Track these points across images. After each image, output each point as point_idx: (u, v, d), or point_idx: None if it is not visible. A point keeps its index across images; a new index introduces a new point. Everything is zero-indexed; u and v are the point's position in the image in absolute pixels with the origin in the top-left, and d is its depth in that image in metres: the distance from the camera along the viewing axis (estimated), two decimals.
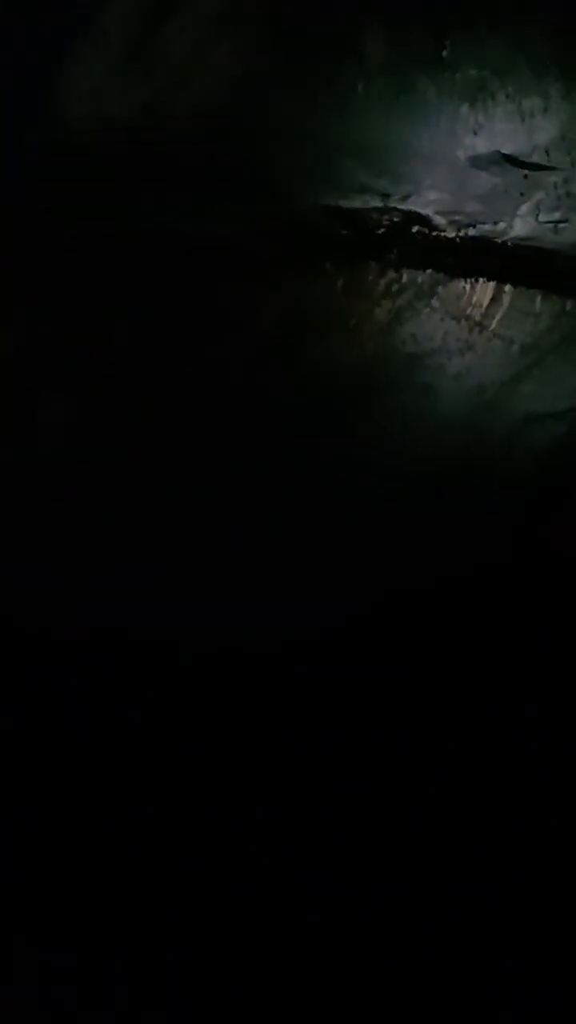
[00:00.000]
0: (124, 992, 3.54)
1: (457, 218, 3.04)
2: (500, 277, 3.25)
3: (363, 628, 3.93)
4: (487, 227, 3.08)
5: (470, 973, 3.57)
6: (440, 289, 3.23)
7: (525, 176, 2.88)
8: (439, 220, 3.04)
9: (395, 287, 3.19)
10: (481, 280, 3.25)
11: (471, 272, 3.21)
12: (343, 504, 3.72)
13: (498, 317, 3.34)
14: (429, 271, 3.18)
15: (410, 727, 3.96)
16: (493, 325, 3.36)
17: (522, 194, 2.95)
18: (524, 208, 3.01)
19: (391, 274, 3.16)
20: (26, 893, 3.63)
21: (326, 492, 3.68)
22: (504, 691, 3.98)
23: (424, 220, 3.03)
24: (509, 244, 3.13)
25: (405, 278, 3.17)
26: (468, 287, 3.25)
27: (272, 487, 3.61)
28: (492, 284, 3.26)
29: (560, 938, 3.62)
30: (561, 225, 3.06)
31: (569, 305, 3.35)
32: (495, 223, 3.06)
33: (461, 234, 3.09)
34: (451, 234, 3.08)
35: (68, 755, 3.80)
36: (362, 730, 3.93)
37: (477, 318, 3.32)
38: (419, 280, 3.18)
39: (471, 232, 3.08)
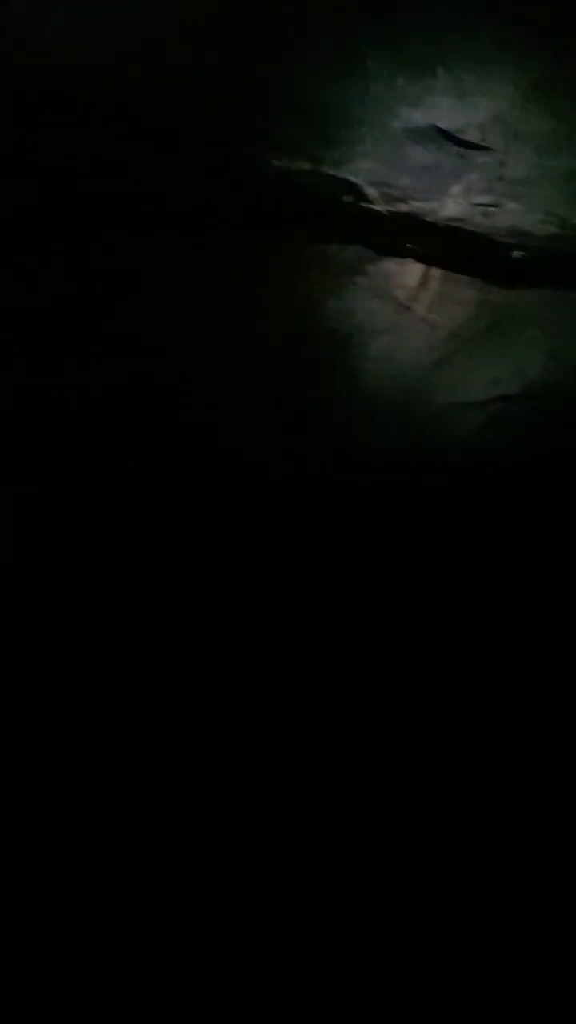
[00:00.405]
0: (124, 992, 3.54)
1: (388, 191, 2.96)
2: (429, 260, 3.21)
3: (315, 626, 3.94)
4: (418, 204, 3.01)
5: (470, 973, 3.57)
6: (368, 267, 3.17)
7: (459, 155, 2.85)
8: (370, 191, 2.96)
9: (323, 260, 3.13)
10: (410, 261, 3.20)
11: (400, 252, 3.17)
12: (256, 496, 3.66)
13: (424, 301, 3.28)
14: (357, 247, 3.13)
15: (410, 727, 3.96)
16: (418, 308, 3.30)
17: (455, 174, 2.92)
18: (456, 188, 2.96)
19: (319, 246, 3.10)
20: (26, 893, 3.63)
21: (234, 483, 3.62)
22: (504, 691, 3.98)
23: (355, 189, 2.96)
24: (439, 225, 3.07)
25: (333, 252, 3.10)
26: (396, 267, 3.20)
27: (269, 487, 3.60)
28: (420, 266, 3.21)
29: (560, 938, 3.62)
30: (491, 209, 3.02)
31: (493, 294, 3.32)
32: (426, 201, 3.01)
33: (392, 209, 3.02)
34: (381, 208, 3.02)
35: (68, 755, 3.81)
36: (362, 730, 3.93)
37: (403, 300, 3.27)
38: (347, 255, 3.12)
39: (402, 208, 3.01)
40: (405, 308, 3.30)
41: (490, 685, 3.98)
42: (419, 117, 2.74)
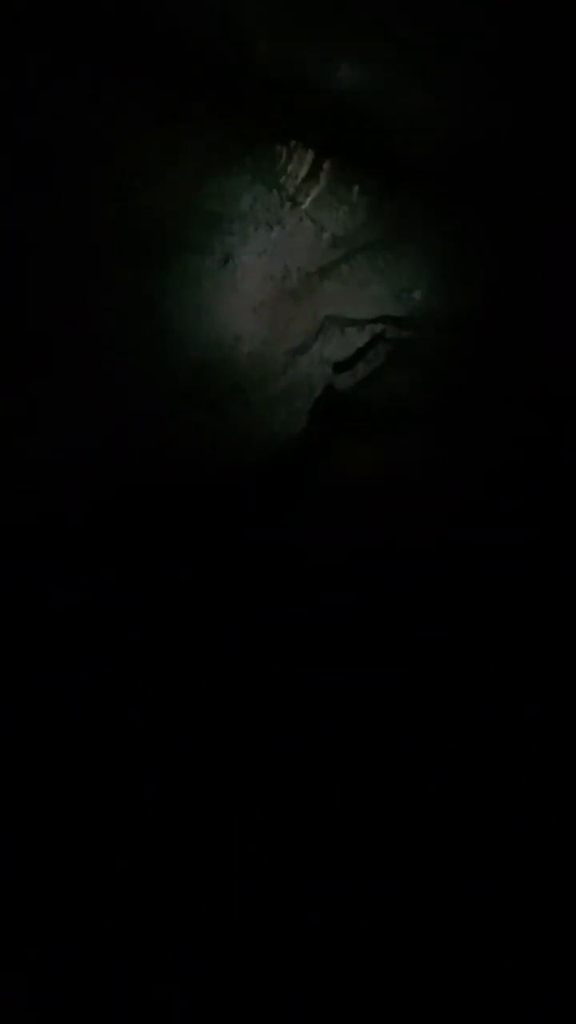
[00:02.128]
0: (124, 992, 3.54)
1: (284, 45, 2.62)
2: (320, 146, 2.91)
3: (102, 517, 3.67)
4: (315, 65, 2.66)
5: (470, 973, 3.57)
6: (256, 147, 2.89)
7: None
8: (264, 44, 2.59)
9: (206, 130, 2.82)
10: (299, 147, 2.92)
11: (290, 131, 2.84)
12: (99, 376, 3.32)
13: (313, 196, 3.04)
14: (248, 122, 2.79)
15: (410, 727, 3.96)
16: (307, 204, 3.07)
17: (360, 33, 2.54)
18: (359, 52, 2.63)
19: (205, 115, 2.78)
20: (26, 893, 3.63)
21: (87, 357, 3.30)
22: (504, 691, 3.98)
23: (249, 34, 2.57)
24: (334, 93, 2.73)
25: (218, 123, 2.81)
26: (285, 153, 2.93)
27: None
28: (310, 155, 2.95)
29: (560, 938, 3.62)
30: (395, 88, 2.71)
31: (387, 204, 3.09)
32: (324, 62, 2.65)
33: (286, 70, 2.64)
34: (274, 66, 2.63)
35: (68, 755, 3.81)
36: (362, 730, 3.93)
37: (291, 191, 3.03)
38: (236, 130, 2.83)
39: (297, 70, 2.66)
40: (293, 202, 3.07)
41: (490, 685, 3.98)
42: None
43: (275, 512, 3.82)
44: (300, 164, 3.02)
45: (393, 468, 3.80)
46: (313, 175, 3.04)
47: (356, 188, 3.09)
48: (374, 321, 3.47)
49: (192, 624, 3.94)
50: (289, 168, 3.02)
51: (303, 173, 3.03)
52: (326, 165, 3.02)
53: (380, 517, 3.87)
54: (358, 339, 3.52)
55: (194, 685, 3.92)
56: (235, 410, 3.59)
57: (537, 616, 4.04)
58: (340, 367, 3.57)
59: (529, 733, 3.93)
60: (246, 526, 3.83)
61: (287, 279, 3.30)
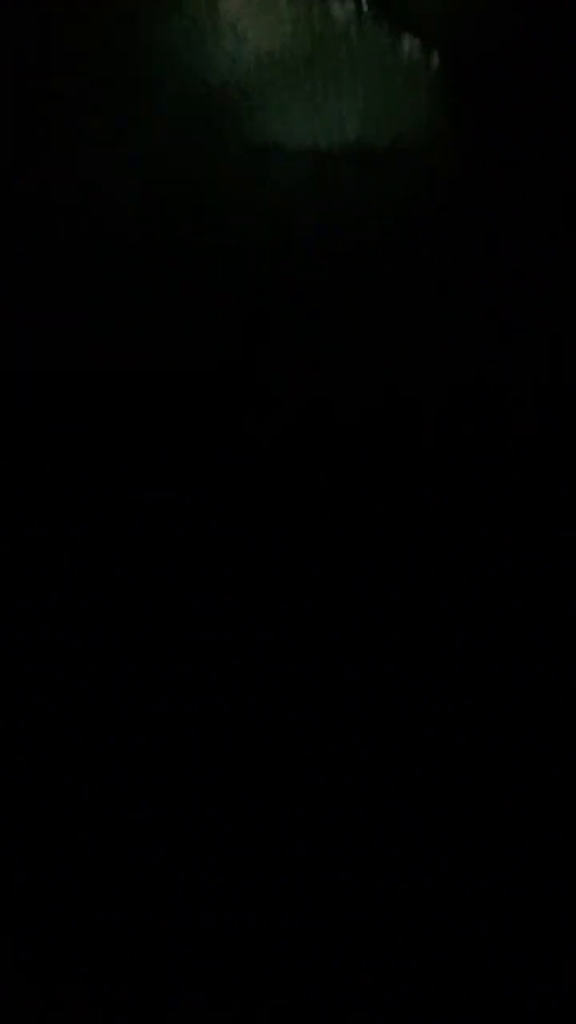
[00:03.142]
0: (124, 992, 3.55)
1: None
2: None
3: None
4: None
5: (470, 973, 3.57)
6: None
7: None
8: None
9: None
10: None
11: None
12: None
13: (232, 1, 2.72)
14: None
15: (410, 722, 3.96)
16: (225, 11, 2.79)
17: None
18: None
19: None
20: (25, 893, 3.63)
21: None
22: (504, 690, 3.97)
23: None
24: None
25: None
26: None
27: None
28: None
29: (560, 938, 3.62)
30: None
31: (319, 17, 2.82)
32: None
33: None
34: None
35: (68, 755, 3.81)
36: (362, 730, 3.93)
37: None
38: None
39: None
40: (210, 6, 2.82)
41: (490, 684, 3.97)
42: None
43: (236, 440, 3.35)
44: None
45: (332, 361, 3.31)
46: None
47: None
48: (304, 154, 3.11)
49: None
50: None
51: None
52: None
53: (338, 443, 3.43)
54: (301, 171, 3.12)
55: (193, 681, 3.91)
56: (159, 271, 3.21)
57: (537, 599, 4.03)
58: (265, 211, 3.12)
59: (529, 733, 3.93)
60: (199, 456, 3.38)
61: (206, 97, 2.98)
